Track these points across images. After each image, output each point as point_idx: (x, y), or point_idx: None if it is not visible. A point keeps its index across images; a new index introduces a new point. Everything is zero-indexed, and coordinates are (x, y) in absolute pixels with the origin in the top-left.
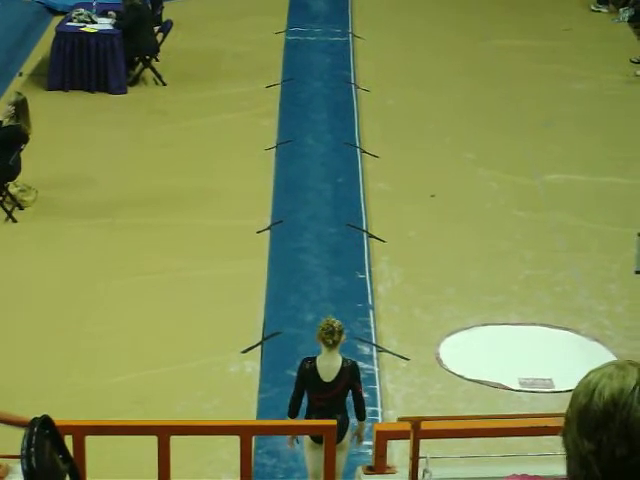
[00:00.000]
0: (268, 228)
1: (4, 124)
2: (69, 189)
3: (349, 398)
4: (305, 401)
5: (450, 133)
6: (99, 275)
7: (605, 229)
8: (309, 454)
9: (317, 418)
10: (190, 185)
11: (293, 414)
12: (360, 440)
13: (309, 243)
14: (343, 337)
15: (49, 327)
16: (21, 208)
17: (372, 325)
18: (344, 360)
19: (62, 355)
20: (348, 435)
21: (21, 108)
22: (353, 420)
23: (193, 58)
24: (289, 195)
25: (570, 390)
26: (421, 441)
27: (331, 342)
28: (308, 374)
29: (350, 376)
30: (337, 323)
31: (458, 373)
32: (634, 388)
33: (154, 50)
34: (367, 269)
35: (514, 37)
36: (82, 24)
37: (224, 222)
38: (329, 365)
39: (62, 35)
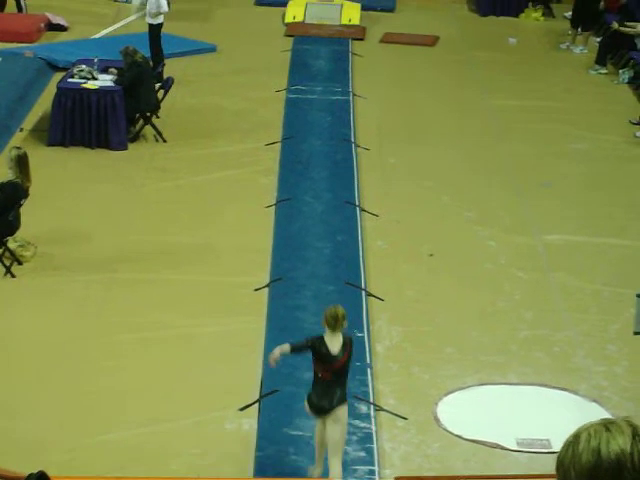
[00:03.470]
0: (267, 285)
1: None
2: (68, 245)
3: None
4: (310, 376)
5: (450, 191)
6: (96, 331)
7: (604, 290)
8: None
9: (320, 392)
10: (189, 241)
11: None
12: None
13: (307, 301)
14: (345, 323)
15: (46, 383)
16: (20, 263)
17: (370, 384)
18: (344, 335)
19: (57, 411)
20: (344, 411)
21: (21, 163)
22: (351, 400)
23: (193, 115)
24: (288, 253)
25: None
26: None
27: (335, 324)
28: (318, 345)
29: (351, 346)
30: (341, 312)
31: (456, 433)
32: (633, 435)
33: (155, 107)
34: (365, 327)
35: (514, 97)
36: (83, 80)
37: (223, 279)
38: (334, 340)
39: (63, 91)
